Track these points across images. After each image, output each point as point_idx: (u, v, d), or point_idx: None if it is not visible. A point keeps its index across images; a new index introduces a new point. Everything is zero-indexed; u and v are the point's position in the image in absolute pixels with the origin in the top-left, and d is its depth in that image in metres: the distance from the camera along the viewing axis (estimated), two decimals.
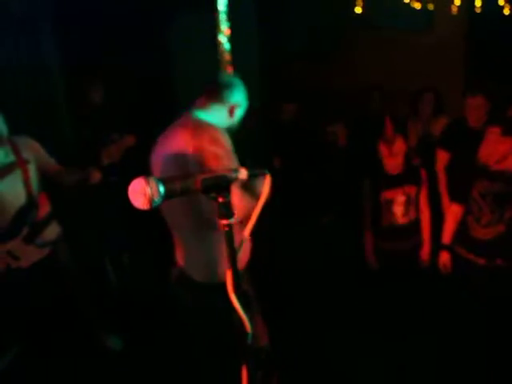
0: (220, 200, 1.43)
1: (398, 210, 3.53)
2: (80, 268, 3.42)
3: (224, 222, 1.46)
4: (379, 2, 5.15)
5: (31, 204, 3.00)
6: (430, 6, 5.35)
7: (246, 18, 4.13)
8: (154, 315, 3.87)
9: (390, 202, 3.52)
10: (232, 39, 3.51)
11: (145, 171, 3.81)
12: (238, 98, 2.34)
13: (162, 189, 1.31)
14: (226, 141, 2.19)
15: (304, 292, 4.02)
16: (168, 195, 1.33)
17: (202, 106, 2.31)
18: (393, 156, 3.43)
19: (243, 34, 3.83)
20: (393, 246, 3.60)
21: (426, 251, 3.63)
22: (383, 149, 3.47)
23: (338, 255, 4.28)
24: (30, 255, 3.05)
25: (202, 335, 2.53)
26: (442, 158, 4.11)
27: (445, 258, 3.30)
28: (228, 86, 2.32)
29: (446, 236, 3.30)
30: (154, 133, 2.32)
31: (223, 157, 2.08)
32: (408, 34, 5.38)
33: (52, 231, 3.18)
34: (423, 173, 3.61)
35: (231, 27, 3.48)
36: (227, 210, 1.45)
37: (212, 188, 1.41)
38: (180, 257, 2.42)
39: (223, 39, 3.39)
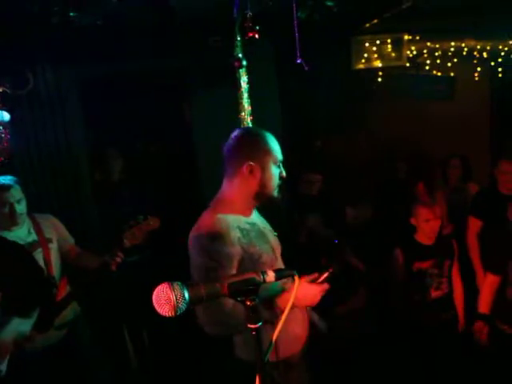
0: (248, 304, 1.37)
1: (431, 282, 3.37)
2: (99, 348, 3.30)
3: (252, 326, 1.39)
4: (400, 73, 5.22)
5: (51, 284, 2.94)
6: (451, 74, 5.45)
7: (269, 94, 4.21)
8: None
9: (422, 274, 3.35)
10: (254, 115, 3.53)
11: (167, 253, 3.79)
12: (259, 154, 2.04)
13: (186, 295, 1.27)
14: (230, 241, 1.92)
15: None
16: (193, 301, 1.29)
17: (227, 180, 2.11)
18: (436, 219, 3.31)
19: (266, 109, 3.88)
20: (426, 321, 3.39)
21: (461, 326, 3.45)
22: (424, 211, 3.33)
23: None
24: (47, 337, 2.95)
25: None
26: (474, 226, 3.99)
27: (480, 327, 3.13)
28: (243, 143, 2.07)
29: (483, 305, 3.15)
30: (177, 213, 2.27)
31: (212, 269, 1.85)
32: (430, 102, 5.38)
33: (70, 312, 3.09)
34: (455, 244, 3.48)
35: (254, 103, 3.51)
36: (255, 314, 1.39)
37: (240, 292, 1.36)
38: None
39: (246, 116, 3.42)
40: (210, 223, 1.94)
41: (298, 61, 2.85)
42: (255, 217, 2.18)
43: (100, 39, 3.56)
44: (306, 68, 2.87)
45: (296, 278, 1.45)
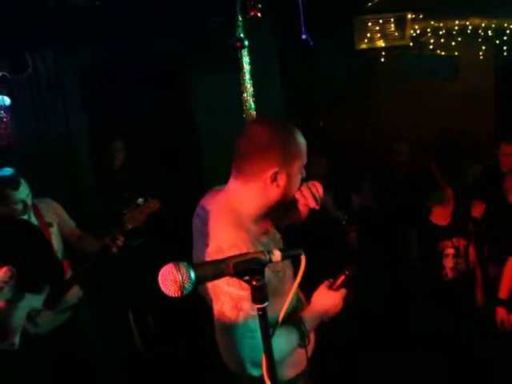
0: (254, 283, 1.35)
1: (447, 263, 3.36)
2: (103, 331, 3.32)
3: (258, 306, 1.38)
4: (404, 52, 5.14)
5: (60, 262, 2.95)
6: (455, 53, 5.37)
7: (271, 75, 4.17)
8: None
9: (439, 255, 3.35)
10: (256, 96, 3.49)
11: (169, 235, 3.77)
12: (289, 160, 1.68)
13: (193, 275, 1.26)
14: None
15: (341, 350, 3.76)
16: (199, 281, 1.28)
17: (240, 181, 1.75)
18: (446, 201, 3.30)
19: (268, 90, 3.84)
20: (443, 302, 3.40)
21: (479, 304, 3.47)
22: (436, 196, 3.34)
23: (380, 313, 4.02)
24: (50, 321, 2.97)
25: None
26: (478, 208, 3.96)
27: (502, 313, 3.13)
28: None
29: (503, 291, 3.14)
30: (179, 197, 2.23)
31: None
32: (435, 82, 5.31)
33: (73, 295, 3.11)
34: (472, 224, 3.46)
35: (255, 84, 3.47)
36: (261, 294, 1.37)
37: (245, 272, 1.34)
38: None
39: (248, 97, 3.38)
40: (230, 237, 1.65)
41: (304, 36, 2.74)
42: None
43: (98, 22, 3.51)
44: (312, 43, 2.77)
45: (302, 257, 1.42)
